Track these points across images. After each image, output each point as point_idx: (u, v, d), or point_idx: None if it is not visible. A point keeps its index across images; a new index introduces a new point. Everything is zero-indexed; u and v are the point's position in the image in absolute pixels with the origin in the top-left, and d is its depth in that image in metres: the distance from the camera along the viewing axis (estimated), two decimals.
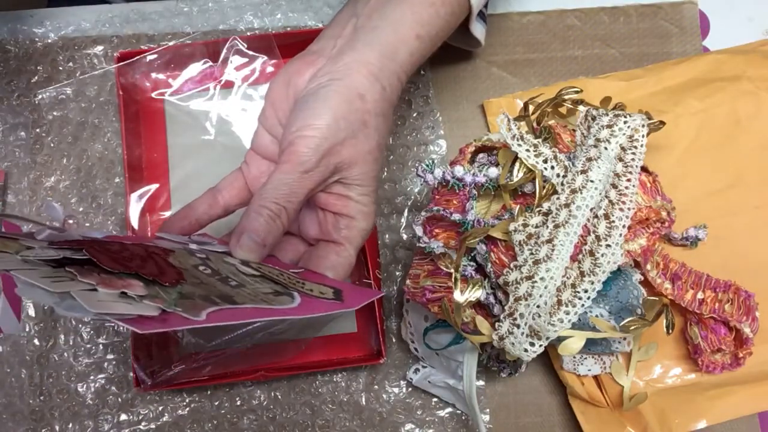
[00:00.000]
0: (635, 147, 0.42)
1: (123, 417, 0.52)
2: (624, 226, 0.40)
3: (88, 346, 0.52)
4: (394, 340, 0.53)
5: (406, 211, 0.55)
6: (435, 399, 0.52)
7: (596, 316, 0.42)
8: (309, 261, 0.42)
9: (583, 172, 0.42)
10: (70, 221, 0.36)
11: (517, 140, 0.43)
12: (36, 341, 0.52)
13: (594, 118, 0.44)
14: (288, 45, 0.53)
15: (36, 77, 0.56)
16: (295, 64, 0.42)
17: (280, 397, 0.52)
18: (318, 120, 0.38)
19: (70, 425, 0.51)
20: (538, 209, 0.42)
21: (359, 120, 0.39)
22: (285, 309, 0.35)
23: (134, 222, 0.52)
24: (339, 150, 0.39)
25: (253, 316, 0.33)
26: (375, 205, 0.42)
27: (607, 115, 0.44)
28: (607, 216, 0.40)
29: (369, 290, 0.42)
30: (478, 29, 0.49)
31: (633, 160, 0.42)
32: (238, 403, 0.52)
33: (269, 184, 0.39)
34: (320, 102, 0.39)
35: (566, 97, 0.47)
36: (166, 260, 0.36)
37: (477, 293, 0.41)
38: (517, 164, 0.43)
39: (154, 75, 0.55)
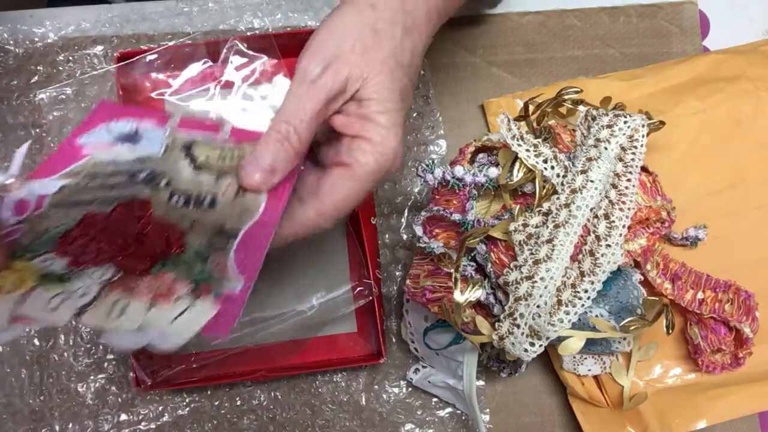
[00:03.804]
0: (635, 147, 0.42)
1: (123, 417, 0.51)
2: (624, 226, 0.40)
3: (88, 345, 0.52)
4: (394, 340, 0.53)
5: (406, 211, 0.55)
6: (435, 399, 0.52)
7: (596, 316, 0.42)
8: (313, 189, 0.39)
9: (583, 172, 0.42)
10: (9, 181, 0.34)
11: (517, 140, 0.43)
12: (36, 341, 0.52)
13: (594, 118, 0.44)
14: (288, 45, 0.53)
15: (36, 77, 0.56)
16: None
17: (280, 397, 0.52)
18: (321, 29, 0.37)
19: (70, 425, 0.51)
20: (538, 209, 0.42)
21: (369, 27, 0.37)
22: (265, 212, 0.35)
23: None
24: (347, 58, 0.37)
25: (264, 239, 0.34)
26: (399, 128, 0.38)
27: (607, 115, 0.44)
28: (607, 216, 0.40)
29: None
30: None
31: (633, 160, 0.42)
32: (238, 403, 0.52)
33: (280, 106, 0.37)
34: (327, 19, 0.38)
35: (566, 97, 0.47)
36: (153, 220, 0.35)
37: (477, 293, 0.41)
38: (517, 164, 0.43)
39: (154, 75, 0.55)
